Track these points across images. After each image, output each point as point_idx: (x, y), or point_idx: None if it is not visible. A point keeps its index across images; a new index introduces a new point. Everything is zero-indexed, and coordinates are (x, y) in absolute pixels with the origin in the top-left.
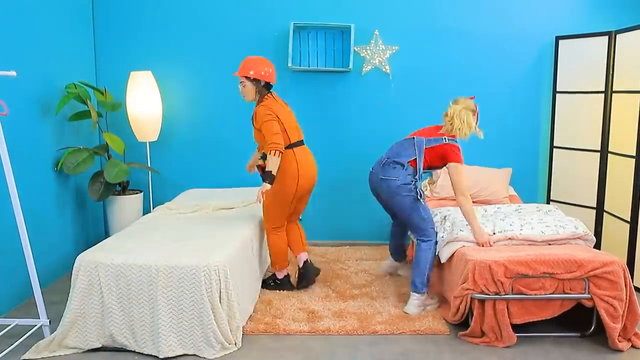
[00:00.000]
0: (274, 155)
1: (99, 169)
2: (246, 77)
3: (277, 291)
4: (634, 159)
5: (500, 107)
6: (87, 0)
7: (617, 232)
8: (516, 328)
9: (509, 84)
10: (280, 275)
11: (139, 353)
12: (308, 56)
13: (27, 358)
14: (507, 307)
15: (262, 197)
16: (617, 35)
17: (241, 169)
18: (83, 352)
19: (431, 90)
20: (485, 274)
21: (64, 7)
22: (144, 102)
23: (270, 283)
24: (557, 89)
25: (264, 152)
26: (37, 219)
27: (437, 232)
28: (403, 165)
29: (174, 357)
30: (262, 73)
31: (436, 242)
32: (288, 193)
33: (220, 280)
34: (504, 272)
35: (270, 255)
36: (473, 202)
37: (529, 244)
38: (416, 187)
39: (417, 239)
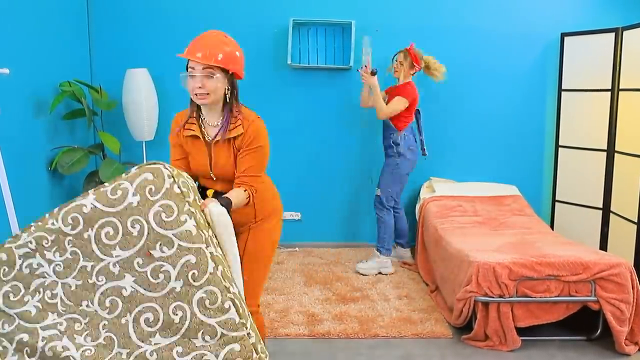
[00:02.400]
0: (246, 197)
1: (94, 169)
2: (220, 67)
3: (275, 295)
4: None
5: (504, 106)
6: None
7: (624, 233)
8: (520, 331)
9: (514, 81)
10: None
11: None
12: (308, 53)
13: None
14: (512, 310)
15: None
16: (624, 32)
17: None
18: None
19: (433, 88)
20: (489, 276)
21: (59, 3)
22: (140, 101)
23: None
24: (563, 87)
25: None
26: (30, 220)
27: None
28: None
29: None
30: (239, 57)
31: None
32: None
33: None
34: (508, 275)
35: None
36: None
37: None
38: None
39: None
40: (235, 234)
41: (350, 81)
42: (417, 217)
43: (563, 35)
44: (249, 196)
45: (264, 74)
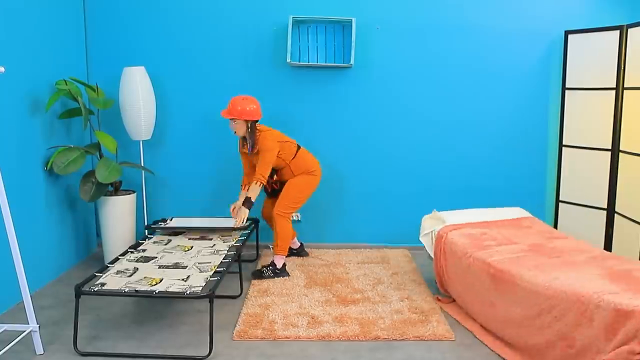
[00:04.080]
0: (258, 185)
1: (91, 169)
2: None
3: (275, 297)
4: None
5: (507, 105)
6: None
7: (629, 234)
8: None
9: (516, 80)
10: (280, 264)
11: None
12: (308, 51)
13: None
14: None
15: (242, 221)
16: (629, 30)
17: (239, 166)
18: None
19: (435, 86)
20: None
21: (55, 0)
22: (138, 99)
23: (267, 273)
24: (567, 86)
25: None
26: (26, 220)
27: None
28: None
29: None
30: (248, 110)
31: None
32: (314, 186)
33: None
34: None
35: (276, 240)
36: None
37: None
38: None
39: None
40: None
41: (350, 80)
42: (430, 251)
43: (567, 32)
44: (260, 183)
45: (263, 72)
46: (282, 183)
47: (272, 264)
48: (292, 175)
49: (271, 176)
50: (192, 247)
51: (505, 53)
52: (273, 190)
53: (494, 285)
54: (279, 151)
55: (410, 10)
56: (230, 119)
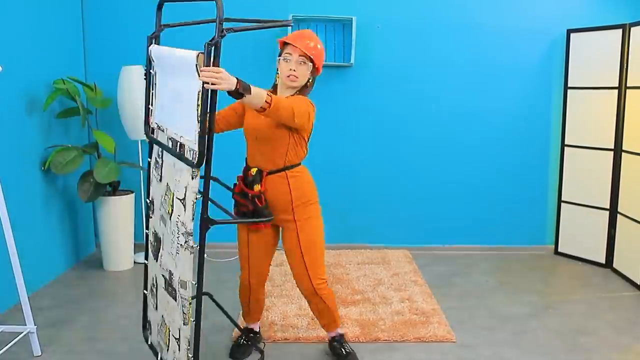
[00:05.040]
0: (264, 99)
1: (89, 169)
2: (311, 60)
3: (274, 298)
4: None
5: (509, 104)
6: None
7: (631, 234)
8: None
9: (518, 79)
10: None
11: None
12: None
13: None
14: None
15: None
16: (632, 28)
17: (238, 164)
18: None
19: (436, 86)
20: None
21: None
22: (136, 99)
23: (346, 349)
24: (569, 85)
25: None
26: (23, 220)
27: None
28: None
29: None
30: (323, 59)
31: None
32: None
33: None
34: None
35: (332, 315)
36: None
37: None
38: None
39: None
40: (280, 227)
41: (351, 79)
42: None
43: (569, 31)
44: (268, 101)
45: (263, 72)
46: (263, 204)
47: (340, 337)
48: (290, 201)
49: (254, 183)
50: (173, 209)
51: (507, 52)
52: (255, 208)
53: None
54: (310, 125)
55: (411, 9)
56: (300, 56)
